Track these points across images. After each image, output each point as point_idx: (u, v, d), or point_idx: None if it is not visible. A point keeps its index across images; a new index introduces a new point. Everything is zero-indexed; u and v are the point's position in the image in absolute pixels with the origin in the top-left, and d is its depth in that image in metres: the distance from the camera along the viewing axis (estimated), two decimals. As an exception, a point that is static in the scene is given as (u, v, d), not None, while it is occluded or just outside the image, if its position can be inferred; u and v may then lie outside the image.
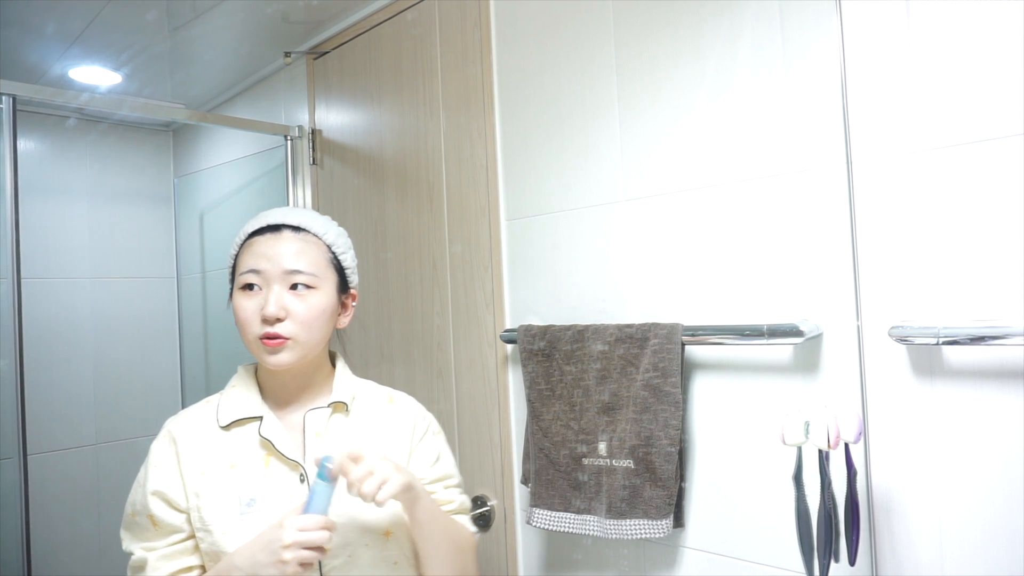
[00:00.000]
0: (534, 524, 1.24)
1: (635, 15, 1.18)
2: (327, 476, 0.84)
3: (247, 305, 0.93)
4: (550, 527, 1.22)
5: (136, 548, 0.92)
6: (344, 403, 1.00)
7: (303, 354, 0.95)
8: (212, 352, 2.38)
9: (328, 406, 0.99)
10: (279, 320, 0.92)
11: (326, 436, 0.97)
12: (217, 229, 2.38)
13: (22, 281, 1.58)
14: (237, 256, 0.98)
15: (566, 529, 1.20)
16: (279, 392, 0.99)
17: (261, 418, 0.95)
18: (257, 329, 0.92)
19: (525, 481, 1.29)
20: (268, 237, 0.96)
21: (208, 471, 0.92)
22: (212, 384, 2.36)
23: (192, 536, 0.91)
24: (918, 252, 0.89)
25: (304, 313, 0.93)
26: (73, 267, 2.33)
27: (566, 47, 1.29)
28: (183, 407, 2.49)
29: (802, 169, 1.00)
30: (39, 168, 2.28)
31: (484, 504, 1.45)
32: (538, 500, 1.24)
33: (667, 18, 1.14)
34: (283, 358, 0.93)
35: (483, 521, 1.45)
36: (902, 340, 0.88)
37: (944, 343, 0.84)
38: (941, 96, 0.87)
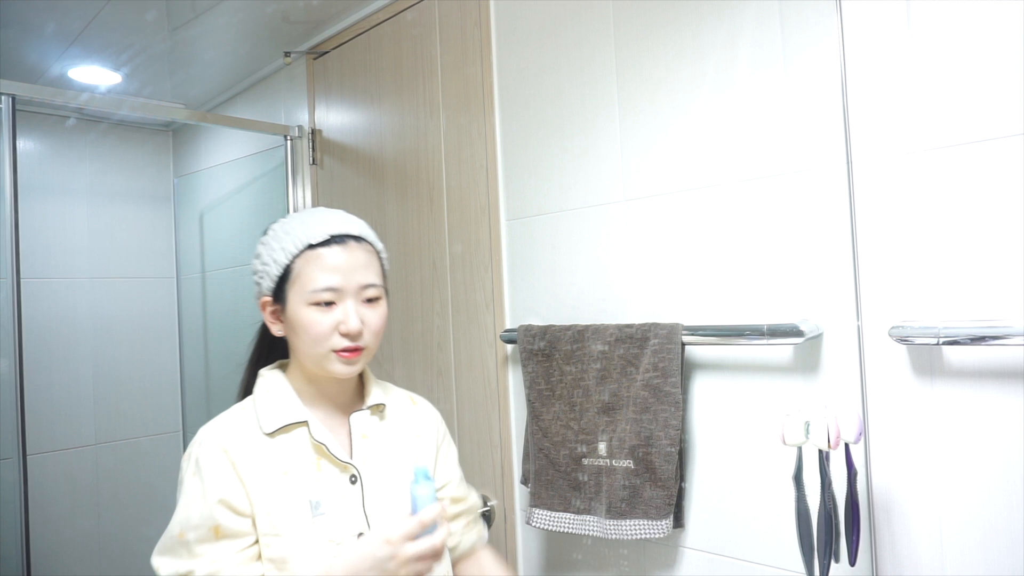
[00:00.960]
0: (534, 524, 1.24)
1: (635, 15, 1.18)
2: (430, 475, 0.87)
3: (322, 320, 0.92)
4: (550, 527, 1.22)
5: (197, 565, 0.86)
6: (383, 405, 1.03)
7: (369, 360, 1.00)
8: (212, 352, 2.38)
9: (367, 408, 1.01)
10: (360, 333, 0.94)
11: (371, 437, 0.99)
12: (217, 229, 2.38)
13: (22, 281, 1.58)
14: (293, 266, 0.94)
15: (566, 529, 1.20)
16: (319, 396, 0.99)
17: (307, 423, 0.95)
18: (335, 343, 0.93)
19: (525, 481, 1.29)
20: (336, 250, 0.94)
21: (265, 477, 0.90)
22: (212, 384, 2.36)
23: (256, 542, 0.89)
24: (918, 252, 0.89)
25: (376, 323, 0.96)
26: (73, 267, 2.33)
27: (566, 47, 1.29)
28: (183, 407, 2.53)
29: (802, 169, 1.00)
30: (39, 168, 2.28)
31: (484, 504, 1.45)
32: (538, 500, 1.24)
33: (667, 18, 1.14)
34: (357, 367, 0.96)
35: (483, 521, 1.45)
36: (902, 340, 0.88)
37: (944, 343, 0.84)
38: (941, 96, 0.87)
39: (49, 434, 2.20)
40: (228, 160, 2.31)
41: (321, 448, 0.94)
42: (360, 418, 1.00)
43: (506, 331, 1.36)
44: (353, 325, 0.92)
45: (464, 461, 1.49)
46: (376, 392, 1.04)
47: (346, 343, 0.93)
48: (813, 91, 0.98)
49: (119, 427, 2.37)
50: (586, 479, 1.19)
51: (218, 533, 0.87)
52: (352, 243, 0.96)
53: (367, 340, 0.95)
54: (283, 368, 1.02)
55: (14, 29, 1.75)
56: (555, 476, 1.23)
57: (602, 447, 1.17)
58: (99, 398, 2.34)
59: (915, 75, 0.89)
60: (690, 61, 1.11)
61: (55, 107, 2.22)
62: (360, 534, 0.92)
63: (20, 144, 1.64)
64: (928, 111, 0.88)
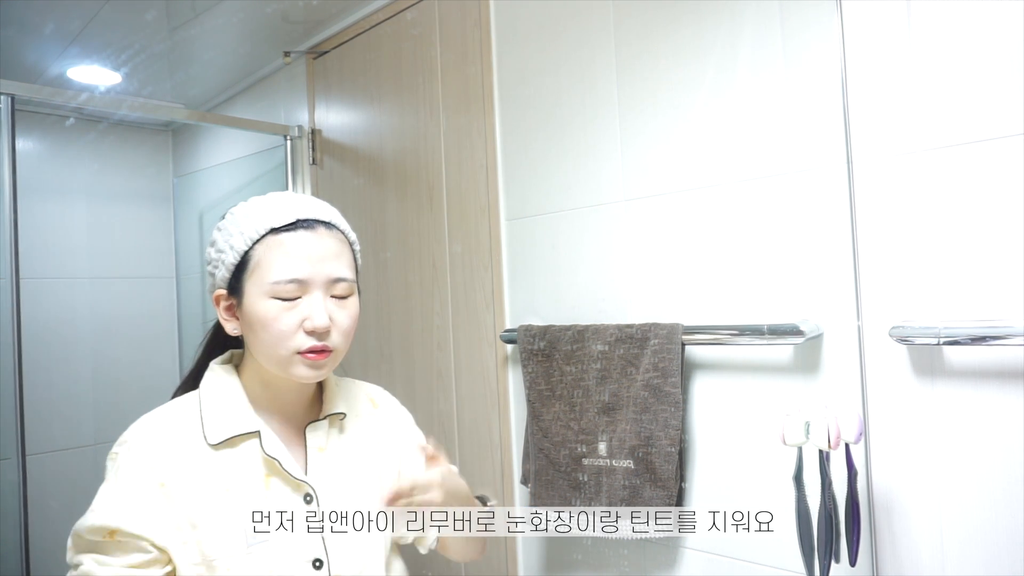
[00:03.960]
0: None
1: (635, 15, 1.18)
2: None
3: (285, 315, 0.80)
4: (550, 527, 1.22)
5: (87, 559, 0.76)
6: (342, 414, 0.93)
7: (337, 364, 0.88)
8: (211, 352, 2.37)
9: (325, 418, 0.90)
10: (327, 331, 0.82)
11: (328, 451, 0.89)
12: (217, 229, 2.37)
13: (21, 281, 1.58)
14: (252, 253, 0.82)
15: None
16: (273, 402, 0.88)
17: (258, 433, 0.84)
18: (300, 342, 0.81)
19: (525, 481, 1.29)
20: (303, 235, 0.82)
21: (202, 497, 0.79)
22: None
23: (156, 562, 0.77)
24: (918, 252, 0.89)
25: (346, 323, 0.85)
26: (72, 267, 2.33)
27: (566, 47, 1.29)
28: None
29: (802, 169, 1.00)
30: (38, 168, 2.28)
31: (484, 504, 1.45)
32: (538, 500, 1.24)
33: (667, 18, 1.14)
34: (324, 372, 0.85)
35: (483, 521, 1.45)
36: (903, 340, 0.88)
37: (945, 343, 0.84)
38: (941, 96, 0.87)
39: (49, 434, 2.20)
40: (228, 160, 2.31)
41: (273, 464, 0.83)
42: (316, 430, 0.89)
43: (506, 331, 1.36)
44: (320, 322, 0.80)
45: (464, 461, 1.49)
46: (335, 399, 0.92)
47: (312, 342, 0.81)
48: (813, 91, 0.98)
49: (119, 427, 2.32)
50: (586, 479, 1.19)
51: (113, 538, 0.76)
52: (322, 229, 0.84)
53: (336, 341, 0.83)
54: (236, 364, 0.90)
55: (14, 29, 1.74)
56: (555, 476, 1.23)
57: (602, 447, 1.17)
58: (99, 398, 2.34)
59: (915, 75, 0.89)
60: (690, 61, 1.11)
61: (54, 107, 2.21)
62: (316, 560, 0.83)
63: (19, 144, 1.63)
64: (928, 111, 0.88)
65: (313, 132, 1.95)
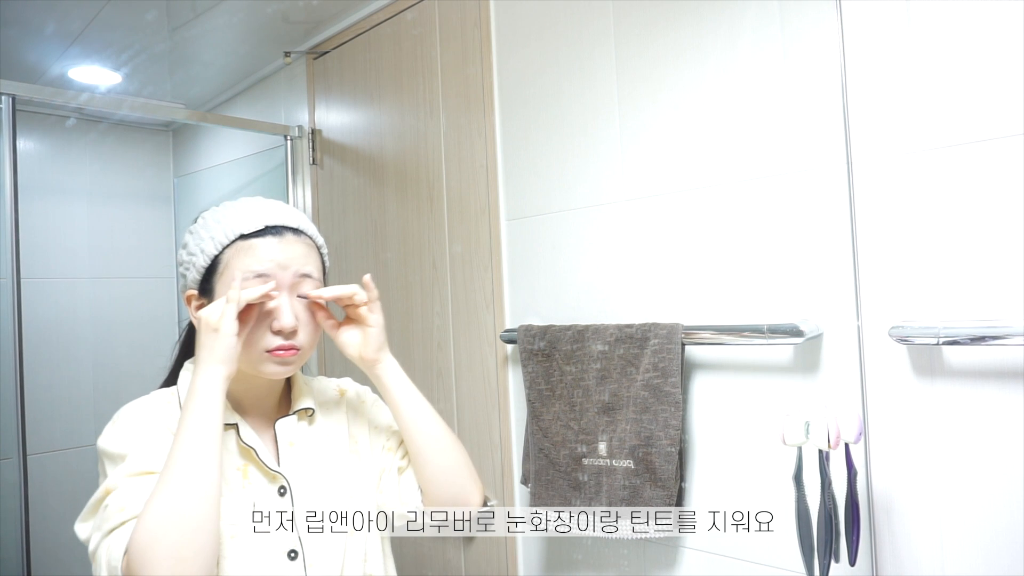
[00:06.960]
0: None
1: (635, 14, 1.18)
2: None
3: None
4: (550, 527, 1.22)
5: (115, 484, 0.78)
6: (311, 409, 0.95)
7: (305, 362, 0.92)
8: (212, 352, 2.37)
9: (293, 413, 0.93)
10: (294, 331, 0.86)
11: (299, 445, 0.92)
12: (217, 229, 2.37)
13: (22, 281, 1.58)
14: (222, 257, 0.86)
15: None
16: (246, 398, 0.91)
17: (236, 425, 0.87)
18: (267, 342, 0.85)
19: (525, 481, 1.29)
20: (270, 240, 0.87)
21: None
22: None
23: None
24: (918, 252, 0.89)
25: (313, 323, 0.90)
26: (73, 267, 2.33)
27: (566, 47, 1.29)
28: (183, 407, 2.52)
29: (802, 169, 1.00)
30: (39, 168, 2.28)
31: (484, 504, 1.45)
32: (538, 500, 1.24)
33: (667, 18, 1.14)
34: (291, 369, 0.89)
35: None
36: (902, 340, 0.88)
37: (944, 343, 0.84)
38: (941, 96, 0.87)
39: (49, 434, 2.20)
40: (228, 160, 2.31)
41: (249, 453, 0.86)
42: (286, 425, 0.91)
43: (506, 331, 1.36)
44: (287, 322, 0.84)
45: (464, 461, 1.49)
46: (304, 395, 0.96)
47: (279, 341, 0.85)
48: (813, 91, 0.98)
49: (119, 427, 2.36)
50: (586, 479, 1.19)
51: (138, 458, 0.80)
52: (290, 235, 0.88)
53: (302, 340, 0.87)
54: None
55: (14, 29, 1.75)
56: (555, 476, 1.23)
57: (602, 447, 1.17)
58: (99, 398, 2.34)
59: (915, 75, 0.89)
60: (690, 61, 1.11)
61: (55, 107, 2.22)
62: (291, 551, 0.85)
63: (20, 144, 1.63)
64: (928, 111, 0.88)
65: (313, 132, 1.95)
